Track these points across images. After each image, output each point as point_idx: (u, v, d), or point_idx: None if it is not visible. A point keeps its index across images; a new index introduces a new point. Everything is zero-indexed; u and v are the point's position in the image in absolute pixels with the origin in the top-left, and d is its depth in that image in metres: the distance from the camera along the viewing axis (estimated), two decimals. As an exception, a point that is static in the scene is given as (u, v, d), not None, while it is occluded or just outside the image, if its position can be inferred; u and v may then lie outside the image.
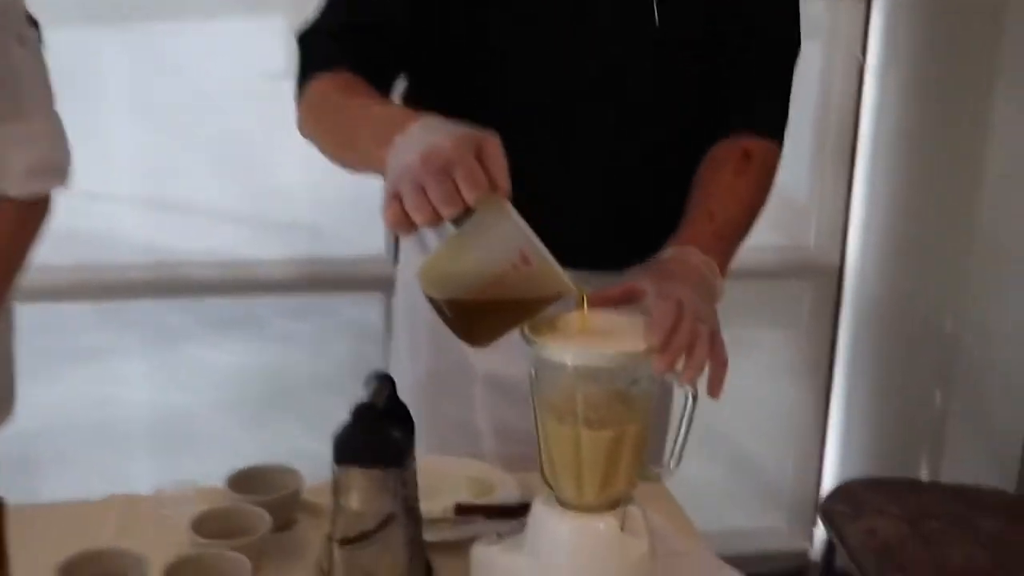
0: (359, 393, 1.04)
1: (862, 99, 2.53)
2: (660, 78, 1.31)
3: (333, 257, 2.37)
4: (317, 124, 1.17)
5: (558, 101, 1.29)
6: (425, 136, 0.92)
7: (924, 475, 2.57)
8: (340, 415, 1.02)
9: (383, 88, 1.24)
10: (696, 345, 0.97)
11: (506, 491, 1.28)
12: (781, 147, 1.36)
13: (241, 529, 1.13)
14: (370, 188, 1.08)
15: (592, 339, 0.98)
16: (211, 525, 1.13)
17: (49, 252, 1.54)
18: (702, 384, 0.98)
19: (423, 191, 0.89)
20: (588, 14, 1.27)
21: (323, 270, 2.36)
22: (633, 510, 1.01)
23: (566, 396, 0.96)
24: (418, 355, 1.46)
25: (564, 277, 0.93)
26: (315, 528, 1.20)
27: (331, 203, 2.33)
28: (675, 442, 0.99)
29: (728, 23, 1.31)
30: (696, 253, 1.14)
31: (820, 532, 2.69)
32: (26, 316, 1.64)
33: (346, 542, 1.04)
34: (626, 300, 1.05)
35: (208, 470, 2.44)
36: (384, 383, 1.08)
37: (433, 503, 1.21)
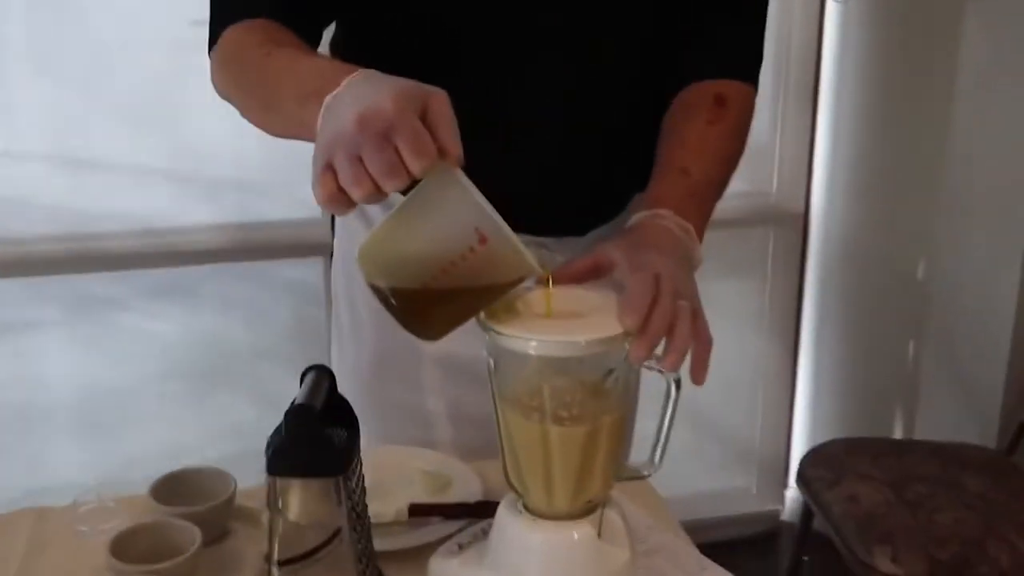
0: (301, 362, 0.95)
1: (823, 33, 2.47)
2: (620, 18, 1.19)
3: (266, 221, 2.25)
4: (233, 82, 1.05)
5: (512, 49, 1.17)
6: (361, 94, 0.81)
7: (899, 431, 2.54)
8: (284, 385, 0.93)
9: (310, 38, 1.11)
10: (677, 325, 0.86)
11: (465, 486, 1.20)
12: (756, 90, 1.25)
13: (168, 547, 1.03)
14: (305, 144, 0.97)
15: (558, 324, 0.87)
16: (134, 544, 1.03)
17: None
18: (684, 368, 0.88)
19: (360, 161, 0.78)
20: None
21: (255, 236, 2.24)
22: (611, 515, 0.91)
23: (530, 390, 0.86)
24: (360, 334, 1.35)
25: (528, 257, 0.82)
26: (251, 540, 1.11)
27: (262, 160, 2.20)
28: (658, 435, 0.89)
29: None
30: (670, 216, 1.03)
31: (792, 493, 2.67)
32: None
33: (287, 563, 0.94)
34: (594, 274, 0.94)
35: (145, 450, 2.32)
36: (321, 377, 0.97)
37: (383, 504, 1.13)
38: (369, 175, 0.78)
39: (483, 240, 0.80)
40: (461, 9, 1.15)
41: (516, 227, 1.25)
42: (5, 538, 1.13)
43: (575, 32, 1.18)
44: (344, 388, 1.43)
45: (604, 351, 0.85)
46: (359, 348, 1.35)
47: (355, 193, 0.78)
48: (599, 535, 0.90)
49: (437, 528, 1.10)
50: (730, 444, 2.74)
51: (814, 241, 2.60)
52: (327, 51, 1.25)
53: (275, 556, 0.94)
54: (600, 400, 0.87)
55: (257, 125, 1.02)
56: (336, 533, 0.94)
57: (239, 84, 1.04)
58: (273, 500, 0.94)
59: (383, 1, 1.17)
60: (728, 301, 2.63)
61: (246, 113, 1.03)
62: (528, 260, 0.82)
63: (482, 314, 0.87)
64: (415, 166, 0.77)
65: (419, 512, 1.13)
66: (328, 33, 1.23)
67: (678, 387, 0.86)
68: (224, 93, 1.06)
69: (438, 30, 1.16)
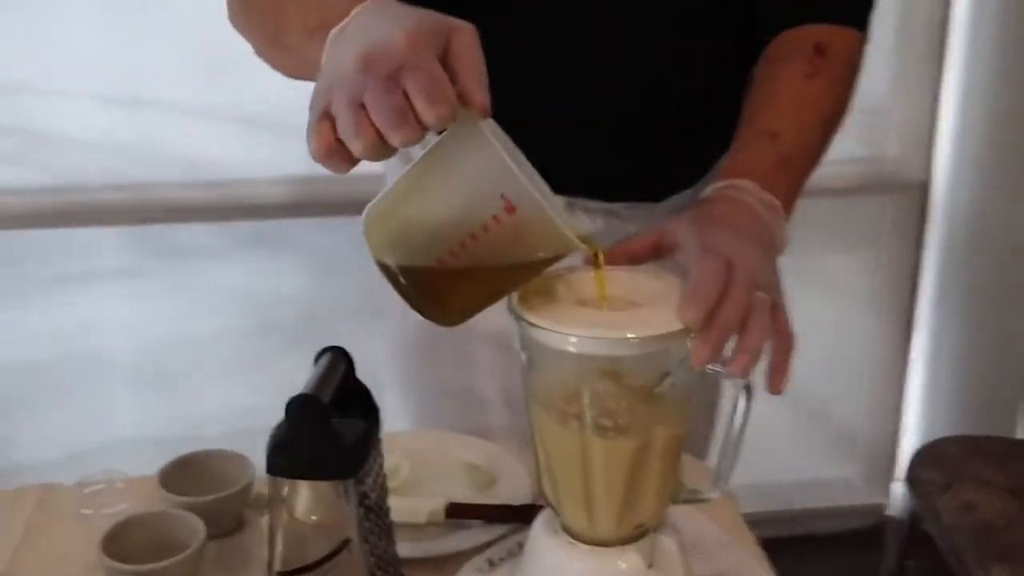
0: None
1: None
2: None
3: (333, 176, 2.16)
4: (243, 13, 0.94)
5: None
6: (369, 27, 0.70)
7: (1022, 425, 2.37)
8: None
9: None
10: (751, 321, 0.73)
11: (512, 484, 1.10)
12: (866, 37, 1.09)
13: (170, 542, 0.96)
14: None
15: (604, 315, 0.74)
16: (133, 537, 0.96)
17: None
18: (759, 373, 0.75)
19: (363, 108, 0.67)
20: None
21: (323, 191, 2.14)
22: (665, 541, 0.78)
23: (568, 393, 0.73)
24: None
25: (565, 230, 0.69)
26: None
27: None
28: (724, 452, 0.75)
29: None
30: (752, 189, 0.89)
31: (899, 487, 2.56)
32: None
33: (288, 574, 0.84)
34: (653, 254, 0.81)
35: (218, 406, 2.28)
36: (337, 361, 0.87)
37: (419, 502, 1.05)
38: (372, 125, 0.66)
39: (510, 208, 0.67)
40: None
41: (578, 191, 1.13)
42: (4, 516, 1.06)
43: None
44: (390, 365, 1.35)
45: (659, 350, 0.72)
46: (405, 321, 1.25)
47: (355, 146, 0.67)
48: (650, 566, 0.77)
49: (475, 533, 1.01)
50: (832, 431, 2.62)
51: (935, 214, 2.45)
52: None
53: (276, 565, 0.85)
54: (652, 408, 0.74)
55: (271, 65, 0.91)
56: (347, 542, 0.84)
57: (248, 16, 0.93)
58: (274, 503, 0.84)
59: None
60: (835, 276, 2.51)
61: (258, 51, 0.92)
62: (565, 234, 0.69)
63: (514, 297, 0.74)
64: (428, 115, 0.66)
65: (457, 514, 1.03)
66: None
67: (748, 396, 0.73)
68: (239, 26, 0.96)
69: None
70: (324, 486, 0.83)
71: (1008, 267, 2.38)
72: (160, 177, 2.14)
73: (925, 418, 2.54)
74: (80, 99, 2.12)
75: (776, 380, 0.75)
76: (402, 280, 0.72)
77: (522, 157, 0.75)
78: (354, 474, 0.83)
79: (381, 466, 0.88)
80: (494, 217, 0.68)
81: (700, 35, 1.10)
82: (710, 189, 0.91)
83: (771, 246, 0.86)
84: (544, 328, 0.72)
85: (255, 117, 2.18)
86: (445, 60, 0.68)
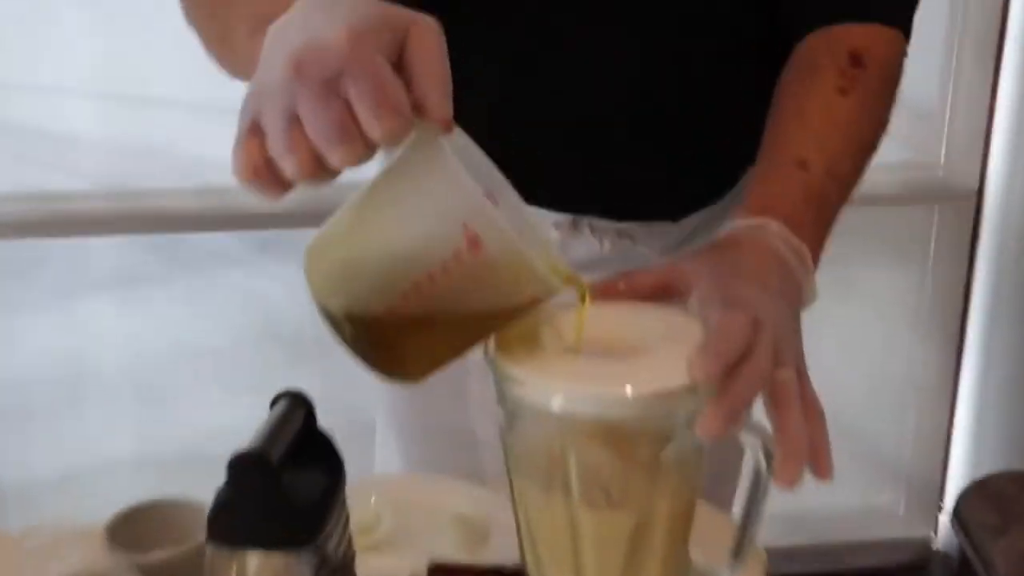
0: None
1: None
2: None
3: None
4: (194, 9, 0.85)
5: None
6: (311, 23, 0.60)
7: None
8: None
9: None
10: (784, 407, 0.65)
11: (506, 540, 0.99)
12: (907, 38, 0.99)
13: None
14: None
15: (596, 364, 0.64)
16: None
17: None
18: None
19: (297, 121, 0.57)
20: None
21: (328, 198, 2.07)
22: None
23: (552, 458, 0.63)
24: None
25: (541, 268, 0.59)
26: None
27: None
28: (740, 529, 0.66)
29: None
30: (778, 230, 0.78)
31: (947, 519, 2.46)
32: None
33: (232, 658, 0.75)
34: (659, 294, 0.71)
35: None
36: (294, 408, 0.78)
37: (399, 557, 0.98)
38: (306, 141, 0.57)
39: (474, 243, 0.57)
40: None
41: (585, 206, 1.06)
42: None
43: None
44: (378, 400, 1.28)
45: (662, 411, 0.62)
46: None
47: (287, 165, 0.58)
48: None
49: (460, 599, 0.92)
50: (875, 458, 2.56)
51: (988, 225, 2.38)
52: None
53: (219, 649, 0.75)
54: (653, 478, 0.64)
55: (218, 65, 0.82)
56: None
57: (196, 9, 0.85)
58: (217, 574, 0.75)
59: None
60: (879, 291, 2.45)
61: (206, 49, 0.83)
62: (542, 274, 0.59)
63: (491, 344, 0.65)
64: (374, 129, 0.56)
65: (440, 574, 0.96)
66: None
67: (770, 466, 0.62)
68: (190, 23, 0.87)
69: None
70: (276, 555, 0.74)
71: (1068, 285, 2.30)
72: (157, 184, 2.11)
73: (974, 447, 2.48)
74: (81, 99, 2.10)
75: (822, 466, 0.66)
76: (349, 329, 0.62)
77: (500, 179, 0.65)
78: (310, 541, 0.74)
79: (346, 525, 0.80)
80: (454, 254, 0.58)
81: (703, 34, 1.03)
82: (731, 225, 0.81)
83: (797, 302, 0.77)
84: (523, 381, 0.62)
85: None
86: (400, 63, 0.59)
